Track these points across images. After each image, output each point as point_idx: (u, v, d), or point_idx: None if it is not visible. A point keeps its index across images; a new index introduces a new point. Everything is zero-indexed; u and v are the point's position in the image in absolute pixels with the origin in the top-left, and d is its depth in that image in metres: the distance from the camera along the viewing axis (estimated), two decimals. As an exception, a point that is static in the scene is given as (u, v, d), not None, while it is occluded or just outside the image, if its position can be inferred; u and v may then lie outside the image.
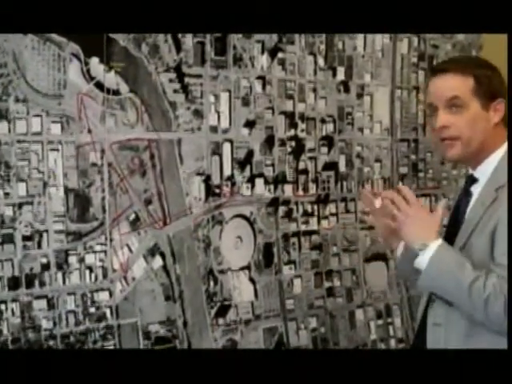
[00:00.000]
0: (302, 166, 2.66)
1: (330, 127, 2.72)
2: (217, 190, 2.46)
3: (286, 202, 2.64)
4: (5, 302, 2.07)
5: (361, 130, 2.84)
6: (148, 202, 2.31)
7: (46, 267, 2.13)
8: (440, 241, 1.97)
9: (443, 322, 2.03)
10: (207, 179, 2.43)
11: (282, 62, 2.58)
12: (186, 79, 2.36)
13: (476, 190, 2.08)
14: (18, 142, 2.07)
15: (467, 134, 2.02)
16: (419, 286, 2.03)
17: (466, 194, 2.11)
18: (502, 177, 2.02)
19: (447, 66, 2.08)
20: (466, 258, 1.95)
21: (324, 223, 2.74)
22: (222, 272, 2.49)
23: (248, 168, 2.52)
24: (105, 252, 2.24)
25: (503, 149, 2.07)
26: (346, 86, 2.77)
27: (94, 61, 2.18)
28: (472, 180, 2.10)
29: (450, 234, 2.10)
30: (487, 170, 2.06)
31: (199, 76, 2.39)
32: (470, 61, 2.16)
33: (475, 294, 1.89)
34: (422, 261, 1.95)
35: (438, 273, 1.94)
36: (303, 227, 2.69)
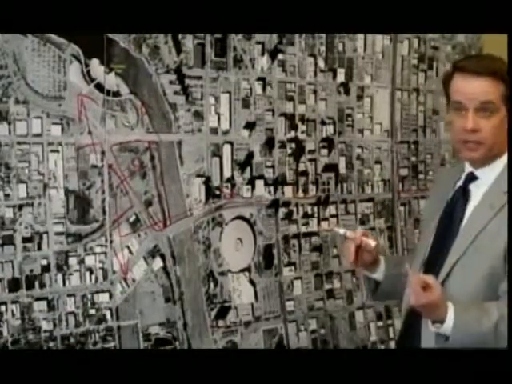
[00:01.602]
0: (302, 167, 2.66)
1: (330, 129, 2.72)
2: (217, 192, 2.46)
3: (286, 204, 2.64)
4: (5, 303, 2.07)
5: (361, 131, 2.84)
6: (148, 203, 2.31)
7: (46, 269, 2.13)
8: (452, 309, 1.92)
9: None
10: (207, 181, 2.43)
11: (282, 64, 2.58)
12: (187, 81, 2.36)
13: (475, 189, 2.07)
14: (19, 143, 2.07)
15: (492, 140, 2.02)
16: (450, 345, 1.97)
17: (464, 191, 2.09)
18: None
19: (482, 68, 2.04)
20: (477, 308, 1.94)
21: (324, 225, 2.74)
22: (222, 274, 2.49)
23: (248, 170, 2.52)
24: (105, 254, 2.24)
25: (506, 154, 2.07)
26: (346, 87, 2.77)
27: (95, 62, 2.18)
28: (472, 178, 2.08)
29: (445, 230, 2.09)
30: (492, 171, 2.06)
31: (199, 77, 2.39)
32: (497, 63, 2.12)
33: (500, 337, 1.90)
34: (446, 328, 1.92)
35: (462, 337, 1.91)
36: (303, 229, 2.69)
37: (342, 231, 2.13)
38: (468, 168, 2.11)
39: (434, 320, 1.94)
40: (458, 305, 1.93)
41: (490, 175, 2.06)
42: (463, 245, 2.02)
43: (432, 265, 2.10)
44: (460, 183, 2.12)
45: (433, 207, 2.21)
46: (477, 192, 2.07)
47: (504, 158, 2.07)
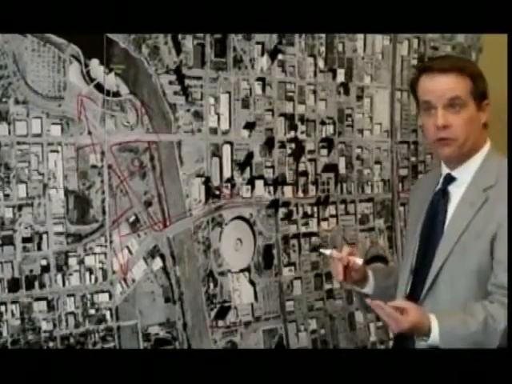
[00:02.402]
0: (301, 167, 2.66)
1: (329, 129, 2.72)
2: (217, 192, 2.46)
3: (286, 204, 2.64)
4: (5, 303, 2.07)
5: (361, 131, 2.84)
6: (148, 203, 2.31)
7: (45, 269, 2.13)
8: (436, 321, 1.94)
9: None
10: (207, 181, 2.43)
11: (282, 64, 2.58)
12: (186, 81, 2.36)
13: (455, 189, 2.10)
14: (18, 143, 2.07)
15: (464, 135, 2.05)
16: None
17: (443, 193, 2.12)
18: (490, 177, 2.05)
19: (446, 65, 2.09)
20: (461, 312, 1.97)
21: (324, 225, 2.74)
22: (221, 274, 2.49)
23: (248, 170, 2.52)
24: (105, 254, 2.24)
25: (485, 149, 2.11)
26: (345, 87, 2.77)
27: (94, 62, 2.18)
28: (450, 179, 2.12)
29: (429, 232, 2.11)
30: (468, 169, 2.09)
31: (199, 78, 2.39)
32: (463, 61, 2.21)
33: (490, 335, 1.93)
34: (433, 340, 1.94)
35: (451, 342, 1.93)
36: (303, 229, 2.69)
37: (327, 252, 2.18)
38: (445, 170, 2.14)
39: (360, 285, 2.19)
40: (441, 314, 1.96)
41: (466, 174, 2.09)
42: (448, 246, 2.04)
43: (420, 269, 2.12)
44: (439, 186, 2.15)
45: (415, 215, 2.23)
46: (457, 192, 2.10)
47: (479, 156, 2.10)
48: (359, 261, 2.14)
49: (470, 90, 2.05)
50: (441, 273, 2.04)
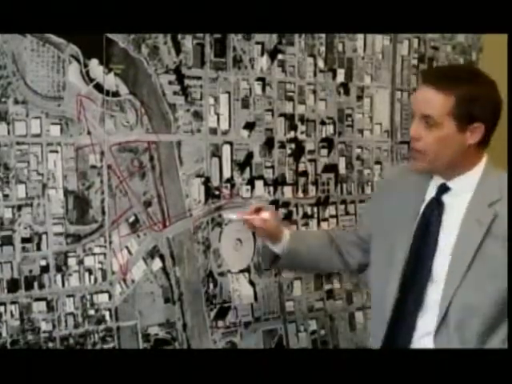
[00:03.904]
0: (301, 167, 2.66)
1: (329, 129, 2.72)
2: (216, 192, 2.46)
3: (286, 204, 2.63)
4: (4, 304, 2.07)
5: (361, 132, 2.83)
6: (147, 204, 2.31)
7: (45, 269, 2.13)
8: (288, 234, 2.29)
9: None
10: (207, 181, 2.43)
11: (282, 64, 2.58)
12: (186, 81, 2.36)
13: (448, 199, 2.06)
14: (18, 143, 2.07)
15: (434, 152, 1.99)
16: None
17: (438, 203, 2.07)
18: (493, 191, 2.01)
19: (434, 78, 2.02)
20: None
21: (324, 225, 2.74)
22: (221, 274, 2.48)
23: (248, 170, 2.52)
24: (104, 254, 2.23)
25: (482, 164, 2.06)
26: (345, 87, 2.76)
27: (94, 62, 2.18)
28: (444, 189, 2.07)
29: (422, 244, 2.05)
30: (465, 182, 2.04)
31: (199, 78, 2.39)
32: (457, 77, 2.03)
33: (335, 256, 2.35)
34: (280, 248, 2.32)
35: (294, 257, 2.32)
36: (303, 229, 2.68)
37: (233, 216, 2.34)
38: (438, 180, 2.09)
39: (271, 242, 2.33)
40: (294, 232, 2.31)
41: (463, 186, 2.05)
42: (459, 273, 1.97)
43: (412, 281, 2.06)
44: (432, 195, 2.10)
45: (392, 219, 2.15)
46: (452, 204, 2.05)
47: (476, 170, 2.05)
48: (265, 214, 2.26)
49: (449, 110, 1.96)
50: (453, 303, 1.98)
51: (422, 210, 2.10)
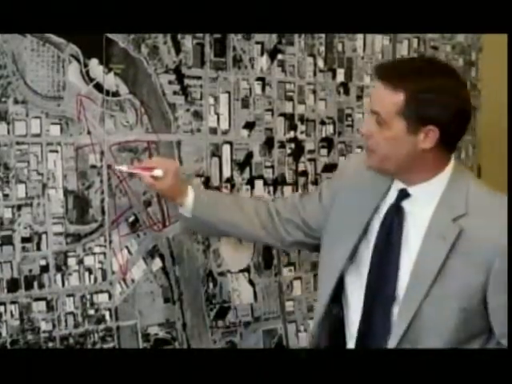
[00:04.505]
0: (301, 167, 2.66)
1: (329, 129, 2.72)
2: (216, 192, 2.46)
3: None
4: (4, 303, 2.07)
5: (360, 131, 2.83)
6: (147, 203, 2.31)
7: (45, 269, 2.13)
8: (192, 193, 2.18)
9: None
10: (207, 181, 2.43)
11: (282, 64, 2.58)
12: (186, 81, 2.36)
13: (408, 207, 1.92)
14: (17, 143, 2.07)
15: (383, 151, 1.86)
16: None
17: (397, 210, 1.94)
18: (458, 205, 1.85)
19: (383, 72, 1.85)
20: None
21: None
22: (221, 274, 2.48)
23: (247, 170, 2.52)
24: (104, 254, 2.23)
25: (446, 174, 1.90)
26: (345, 87, 2.76)
27: (94, 62, 2.18)
28: (405, 194, 1.93)
29: (384, 250, 1.94)
30: (428, 191, 1.90)
31: (199, 77, 2.39)
32: (411, 74, 1.82)
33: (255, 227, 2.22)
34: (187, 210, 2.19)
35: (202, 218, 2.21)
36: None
37: (123, 168, 2.18)
38: (399, 184, 1.96)
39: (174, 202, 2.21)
40: (202, 197, 2.19)
41: (425, 195, 1.90)
42: (421, 291, 1.86)
43: (374, 290, 1.97)
44: (392, 201, 1.97)
45: (350, 214, 2.03)
46: (414, 213, 1.92)
47: (439, 180, 1.89)
48: (158, 172, 2.12)
49: (398, 109, 1.78)
50: (415, 320, 1.87)
51: (382, 216, 1.97)
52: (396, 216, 1.93)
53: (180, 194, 2.19)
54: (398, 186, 1.96)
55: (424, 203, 1.90)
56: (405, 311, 1.88)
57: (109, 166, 2.22)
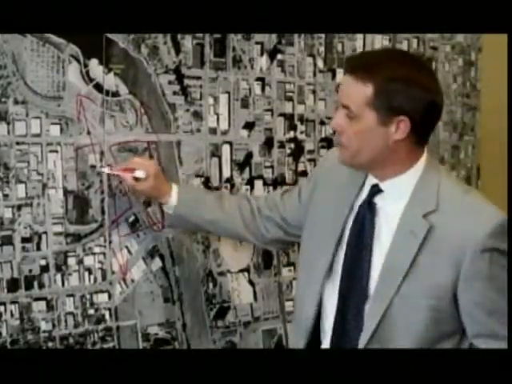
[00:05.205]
0: (301, 167, 2.66)
1: (329, 129, 2.72)
2: (216, 192, 2.46)
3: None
4: (4, 303, 2.07)
5: (360, 131, 2.83)
6: (147, 203, 2.31)
7: (45, 269, 2.13)
8: (176, 191, 2.18)
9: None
10: (206, 181, 2.43)
11: (282, 64, 2.58)
12: (186, 81, 2.36)
13: (380, 202, 1.91)
14: (17, 143, 2.07)
15: (356, 145, 1.84)
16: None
17: (369, 206, 1.93)
18: (429, 200, 1.84)
19: (350, 65, 1.86)
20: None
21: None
22: (221, 274, 2.48)
23: (247, 170, 2.52)
24: (104, 254, 2.24)
25: (418, 169, 1.89)
26: (345, 87, 2.76)
27: (94, 62, 2.18)
28: (377, 190, 1.92)
29: (357, 245, 1.93)
30: (399, 186, 1.89)
31: (198, 78, 2.39)
32: (378, 65, 1.82)
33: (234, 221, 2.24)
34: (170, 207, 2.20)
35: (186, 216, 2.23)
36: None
37: (104, 170, 2.17)
38: (372, 179, 1.95)
39: (158, 201, 2.22)
40: (186, 195, 2.20)
41: (397, 190, 1.89)
42: (391, 288, 1.85)
43: (347, 288, 1.95)
44: (364, 197, 1.96)
45: (325, 210, 2.03)
46: (386, 208, 1.91)
47: (411, 175, 1.88)
48: (139, 173, 2.12)
49: (367, 100, 1.78)
50: (385, 318, 1.86)
51: (355, 212, 1.96)
52: (368, 212, 1.93)
53: (164, 194, 2.21)
54: (371, 181, 1.95)
55: (396, 198, 1.89)
56: (375, 309, 1.87)
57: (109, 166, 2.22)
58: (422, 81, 1.81)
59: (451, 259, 1.81)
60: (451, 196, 1.87)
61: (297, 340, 2.09)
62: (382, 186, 1.91)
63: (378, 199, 1.93)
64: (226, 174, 2.47)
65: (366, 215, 1.93)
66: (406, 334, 1.86)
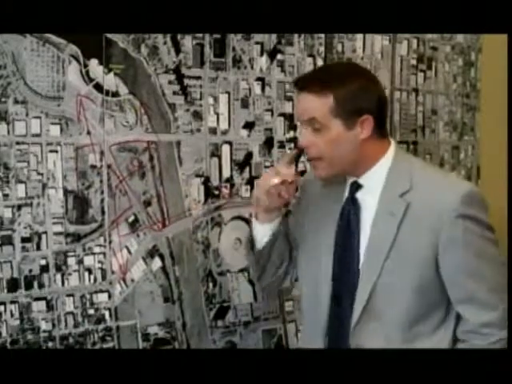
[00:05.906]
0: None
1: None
2: (216, 192, 2.46)
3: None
4: (4, 303, 2.07)
5: (360, 131, 2.83)
6: (147, 203, 2.31)
7: (44, 269, 2.13)
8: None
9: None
10: (206, 181, 2.43)
11: (281, 64, 2.58)
12: (185, 81, 2.36)
13: (363, 197, 1.99)
14: (17, 143, 2.07)
15: (329, 155, 1.93)
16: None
17: (353, 202, 2.01)
18: (403, 181, 1.93)
19: (305, 83, 1.95)
20: None
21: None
22: (221, 274, 2.48)
23: (247, 170, 2.52)
24: (104, 254, 2.24)
25: (389, 154, 1.98)
26: (345, 87, 2.76)
27: (93, 62, 2.18)
28: (357, 186, 2.00)
29: (345, 244, 1.99)
30: (375, 176, 1.97)
31: (198, 78, 2.39)
32: (331, 77, 1.96)
33: None
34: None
35: None
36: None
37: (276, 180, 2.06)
38: (350, 178, 2.02)
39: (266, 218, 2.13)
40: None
41: (373, 182, 1.98)
42: (377, 264, 1.92)
43: (342, 285, 2.00)
44: (346, 194, 2.03)
45: (316, 223, 2.08)
46: (366, 200, 1.99)
47: (384, 162, 1.98)
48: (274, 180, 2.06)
49: (330, 110, 1.89)
50: (374, 293, 1.92)
51: (339, 211, 2.04)
52: (352, 208, 2.01)
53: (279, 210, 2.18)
54: (350, 179, 2.04)
55: (373, 188, 1.98)
56: (363, 287, 1.95)
57: (109, 166, 2.22)
58: (372, 79, 2.00)
59: (429, 229, 1.89)
60: (424, 175, 1.97)
61: (314, 340, 2.08)
62: (361, 181, 2.00)
63: (359, 194, 2.01)
64: (226, 173, 2.47)
65: (351, 211, 2.01)
66: (395, 307, 1.93)
